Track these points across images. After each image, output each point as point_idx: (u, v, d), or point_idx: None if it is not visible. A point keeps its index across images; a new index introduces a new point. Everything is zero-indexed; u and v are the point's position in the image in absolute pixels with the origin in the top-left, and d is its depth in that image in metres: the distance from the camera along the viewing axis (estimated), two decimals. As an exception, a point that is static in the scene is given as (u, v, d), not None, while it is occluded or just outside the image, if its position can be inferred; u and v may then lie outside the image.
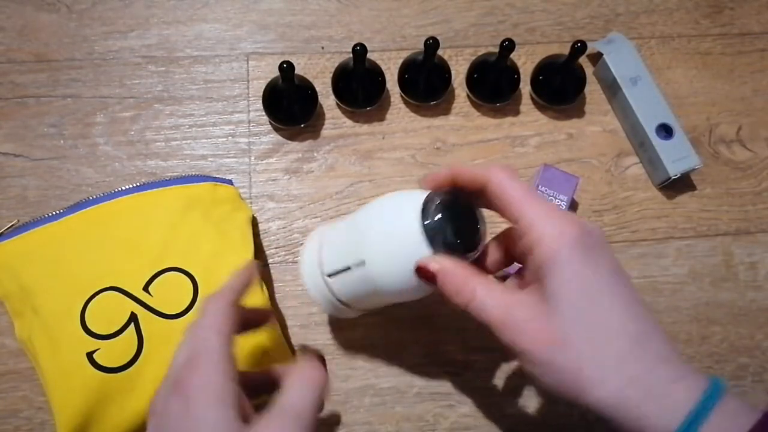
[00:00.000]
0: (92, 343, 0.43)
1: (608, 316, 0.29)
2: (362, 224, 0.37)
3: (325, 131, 0.58)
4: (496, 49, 0.53)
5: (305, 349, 0.51)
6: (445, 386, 0.52)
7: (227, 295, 0.34)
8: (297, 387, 0.31)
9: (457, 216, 0.34)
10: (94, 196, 0.49)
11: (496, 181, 0.33)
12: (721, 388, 0.28)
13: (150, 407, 0.32)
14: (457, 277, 0.32)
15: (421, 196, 0.35)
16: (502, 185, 0.32)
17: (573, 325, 0.29)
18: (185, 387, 0.29)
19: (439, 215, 0.34)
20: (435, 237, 0.34)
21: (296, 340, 0.52)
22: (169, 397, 0.30)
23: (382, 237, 0.36)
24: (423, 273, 0.34)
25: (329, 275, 0.39)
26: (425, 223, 0.34)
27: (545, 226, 0.30)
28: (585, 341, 0.29)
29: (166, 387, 0.31)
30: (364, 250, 0.36)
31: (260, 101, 0.57)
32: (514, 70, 0.57)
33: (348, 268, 0.37)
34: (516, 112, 0.60)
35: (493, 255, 0.37)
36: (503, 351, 0.36)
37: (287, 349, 0.49)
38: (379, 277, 0.36)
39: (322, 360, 0.47)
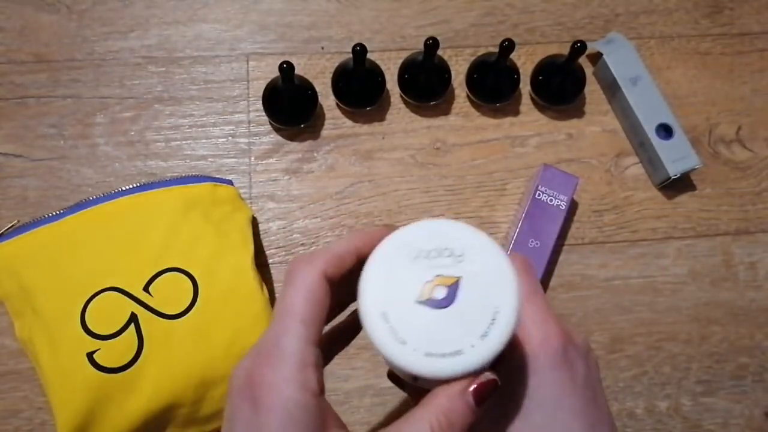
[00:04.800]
0: (92, 344, 0.43)
1: None
2: None
3: (325, 131, 0.58)
4: (496, 49, 0.53)
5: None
6: (445, 386, 0.52)
7: (319, 263, 0.26)
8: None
9: None
10: (94, 197, 0.49)
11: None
12: None
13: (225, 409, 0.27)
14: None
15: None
16: None
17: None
18: (258, 388, 0.24)
19: None
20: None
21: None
22: (239, 399, 0.25)
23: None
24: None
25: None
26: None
27: (531, 328, 0.29)
28: None
29: (238, 378, 0.25)
30: None
31: (260, 101, 0.57)
32: (514, 70, 0.57)
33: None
34: (516, 112, 0.60)
35: None
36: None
37: None
38: None
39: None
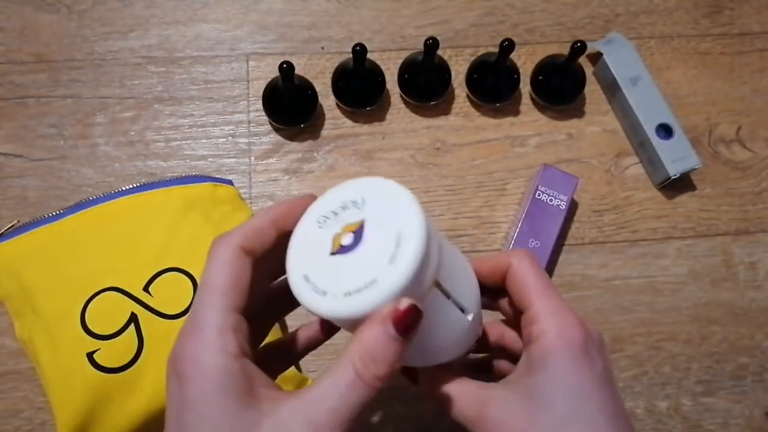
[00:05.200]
0: (92, 344, 0.43)
1: (593, 427, 0.28)
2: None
3: (325, 131, 0.58)
4: (496, 49, 0.53)
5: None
6: (445, 386, 0.52)
7: (234, 238, 0.27)
8: (342, 383, 0.24)
9: None
10: (94, 197, 0.49)
11: (517, 263, 0.32)
12: None
13: None
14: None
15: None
16: (522, 269, 0.31)
17: (557, 428, 0.27)
18: (179, 363, 0.25)
19: None
20: None
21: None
22: (170, 375, 0.25)
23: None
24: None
25: (437, 284, 0.27)
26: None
27: (551, 322, 0.29)
28: None
29: (168, 360, 0.26)
30: (469, 298, 0.30)
31: (260, 101, 0.57)
32: (514, 70, 0.57)
33: (448, 296, 0.29)
34: (516, 112, 0.60)
35: (493, 335, 0.36)
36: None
37: None
38: (466, 326, 0.30)
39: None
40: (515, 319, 0.33)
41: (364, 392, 0.24)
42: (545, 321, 0.29)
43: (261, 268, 0.28)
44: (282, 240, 0.28)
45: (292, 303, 0.29)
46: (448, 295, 0.28)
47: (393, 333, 0.23)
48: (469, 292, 0.30)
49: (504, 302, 0.35)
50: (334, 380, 0.24)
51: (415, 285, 0.24)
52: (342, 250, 0.26)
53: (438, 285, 0.27)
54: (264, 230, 0.27)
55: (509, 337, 0.35)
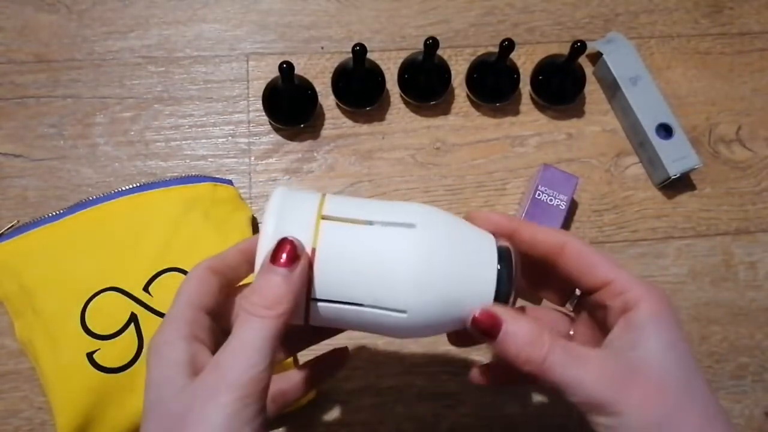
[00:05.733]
0: (92, 344, 0.43)
1: (705, 398, 0.28)
2: (417, 255, 0.28)
3: (325, 131, 0.58)
4: (496, 49, 0.53)
5: None
6: (445, 386, 0.52)
7: (206, 262, 0.32)
8: (244, 324, 0.27)
9: (515, 268, 0.30)
10: (94, 197, 0.49)
11: (577, 244, 0.32)
12: None
13: None
14: (530, 330, 0.28)
15: (482, 237, 0.30)
16: (583, 248, 0.31)
17: (675, 397, 0.27)
18: (149, 349, 0.29)
19: (512, 265, 0.30)
20: (500, 288, 0.29)
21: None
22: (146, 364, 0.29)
23: (443, 279, 0.28)
24: (481, 323, 0.29)
25: (318, 300, 0.28)
26: (498, 269, 0.29)
27: (643, 290, 0.29)
28: (688, 418, 0.27)
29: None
30: (409, 293, 0.28)
31: (260, 101, 0.57)
32: (514, 70, 0.57)
33: (359, 305, 0.28)
34: (516, 112, 0.60)
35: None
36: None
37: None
38: (411, 324, 0.28)
39: None
40: (564, 298, 0.35)
41: (259, 325, 0.27)
42: (636, 290, 0.30)
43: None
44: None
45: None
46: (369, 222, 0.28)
47: (271, 266, 0.27)
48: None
49: (548, 284, 0.35)
50: (237, 327, 0.27)
51: (283, 223, 0.28)
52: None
53: (331, 218, 0.28)
54: (229, 258, 0.33)
55: (552, 319, 0.36)
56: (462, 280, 0.29)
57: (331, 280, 0.28)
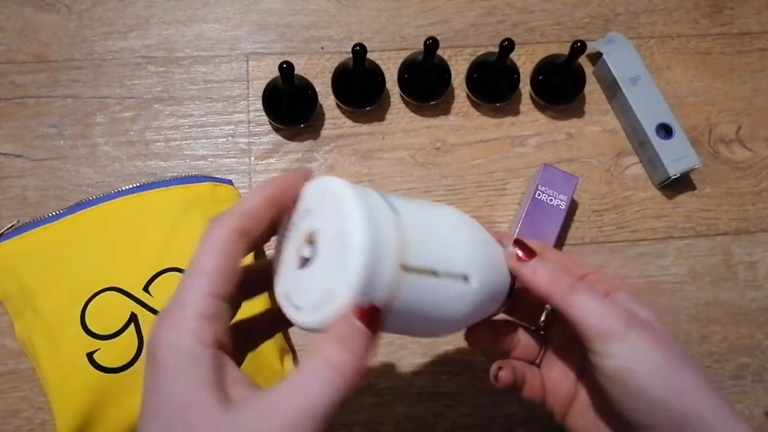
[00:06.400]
0: (92, 344, 0.43)
1: (702, 370, 0.32)
2: (463, 232, 0.29)
3: (325, 131, 0.58)
4: (496, 49, 0.53)
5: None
6: (445, 386, 0.52)
7: (230, 221, 0.25)
8: (315, 376, 0.23)
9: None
10: (94, 197, 0.49)
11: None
12: None
13: None
14: (558, 266, 0.31)
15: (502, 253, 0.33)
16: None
17: (675, 353, 0.31)
18: (153, 344, 0.23)
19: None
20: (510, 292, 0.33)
21: (296, 340, 0.52)
22: (146, 363, 0.24)
23: (487, 250, 0.31)
24: (519, 253, 0.32)
25: (407, 268, 0.26)
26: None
27: (616, 279, 0.34)
28: (688, 369, 0.31)
29: (146, 342, 0.25)
30: (470, 262, 0.29)
31: (260, 101, 0.57)
32: (514, 70, 0.57)
33: (434, 273, 0.27)
34: (516, 112, 0.60)
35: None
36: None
37: (283, 342, 0.49)
38: (473, 296, 0.29)
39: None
40: (535, 316, 0.37)
41: (336, 386, 0.23)
42: (612, 279, 0.34)
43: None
44: (275, 219, 0.27)
45: (263, 286, 0.29)
46: (434, 273, 0.26)
47: (360, 326, 0.23)
48: (466, 255, 0.28)
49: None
50: (305, 375, 0.23)
51: (371, 282, 0.23)
52: (304, 263, 0.25)
53: (412, 269, 0.25)
54: (260, 212, 0.26)
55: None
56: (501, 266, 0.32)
57: (394, 326, 0.27)
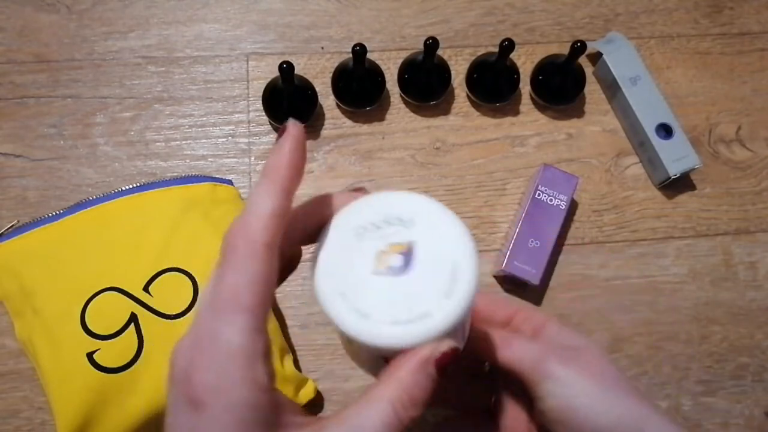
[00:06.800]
0: (92, 344, 0.43)
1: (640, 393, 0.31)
2: None
3: (325, 131, 0.58)
4: (496, 49, 0.53)
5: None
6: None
7: (262, 235, 0.22)
8: (383, 409, 0.22)
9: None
10: (94, 197, 0.49)
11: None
12: None
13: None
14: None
15: None
16: (483, 298, 0.34)
17: (613, 379, 0.30)
18: (195, 388, 0.21)
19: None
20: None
21: (296, 340, 0.52)
22: (179, 398, 0.21)
23: None
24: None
25: None
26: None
27: (541, 314, 0.34)
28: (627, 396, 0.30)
29: (178, 375, 0.22)
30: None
31: (260, 101, 0.57)
32: (514, 70, 0.57)
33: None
34: (516, 112, 0.60)
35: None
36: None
37: (283, 341, 0.49)
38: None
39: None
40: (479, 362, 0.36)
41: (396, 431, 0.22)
42: (538, 313, 0.33)
43: None
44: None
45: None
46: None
47: (434, 375, 0.22)
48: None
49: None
50: (370, 416, 0.22)
51: (462, 323, 0.23)
52: (389, 271, 0.23)
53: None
54: (296, 223, 0.24)
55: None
56: None
57: None
